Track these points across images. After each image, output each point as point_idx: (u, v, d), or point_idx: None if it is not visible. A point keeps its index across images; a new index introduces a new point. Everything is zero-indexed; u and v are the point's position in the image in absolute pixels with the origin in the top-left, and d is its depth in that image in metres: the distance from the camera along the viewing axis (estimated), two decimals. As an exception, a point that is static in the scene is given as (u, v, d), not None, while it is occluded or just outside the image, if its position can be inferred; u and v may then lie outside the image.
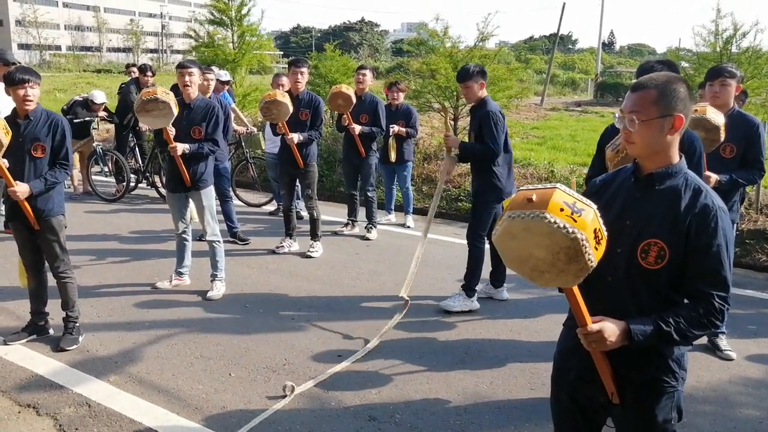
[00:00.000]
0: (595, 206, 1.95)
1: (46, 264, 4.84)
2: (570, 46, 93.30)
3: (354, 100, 7.36)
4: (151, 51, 77.92)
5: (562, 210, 1.86)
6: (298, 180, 7.20)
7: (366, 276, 6.56)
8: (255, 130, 9.82)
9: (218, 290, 5.88)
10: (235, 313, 5.50)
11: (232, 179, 8.87)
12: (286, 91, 6.87)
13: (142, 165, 10.26)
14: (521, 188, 2.00)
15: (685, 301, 2.19)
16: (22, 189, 4.43)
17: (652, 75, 2.21)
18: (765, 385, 4.44)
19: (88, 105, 10.20)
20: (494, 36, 12.41)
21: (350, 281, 6.40)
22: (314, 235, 7.20)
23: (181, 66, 5.81)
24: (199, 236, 6.50)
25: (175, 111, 5.46)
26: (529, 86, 17.83)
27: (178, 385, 4.24)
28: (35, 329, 4.91)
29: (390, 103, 8.25)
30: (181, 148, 5.60)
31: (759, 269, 7.05)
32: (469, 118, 6.01)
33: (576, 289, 2.04)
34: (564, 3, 30.96)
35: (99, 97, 10.29)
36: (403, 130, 8.14)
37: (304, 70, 6.92)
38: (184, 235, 6.02)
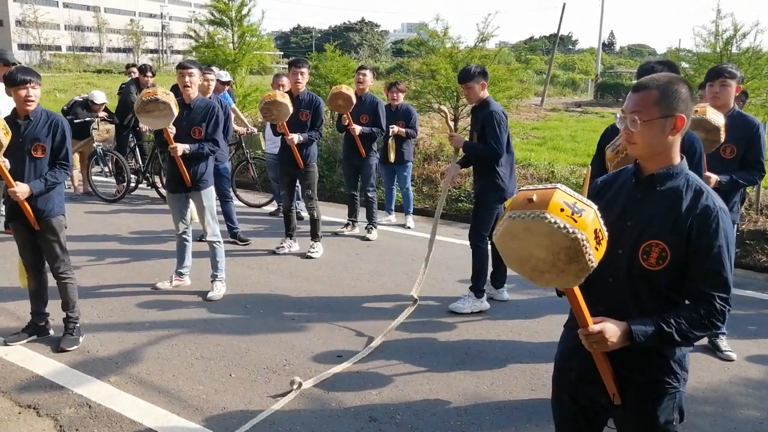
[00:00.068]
0: (595, 206, 1.95)
1: (47, 264, 4.84)
2: (570, 47, 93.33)
3: (354, 100, 7.35)
4: (152, 51, 77.93)
5: (562, 210, 1.86)
6: (298, 180, 7.20)
7: (366, 276, 6.56)
8: (255, 130, 9.82)
9: (218, 291, 5.88)
10: (235, 314, 5.50)
11: (233, 180, 8.87)
12: (287, 92, 6.88)
13: (142, 165, 10.26)
14: (522, 189, 2.00)
15: (687, 302, 2.19)
16: (22, 189, 4.43)
17: (653, 75, 2.20)
18: (765, 385, 4.44)
19: (88, 105, 10.21)
20: (494, 36, 12.43)
21: (350, 282, 6.40)
22: (314, 235, 7.20)
23: (181, 66, 5.81)
24: (200, 237, 6.50)
25: (176, 111, 5.46)
26: (529, 87, 17.85)
27: (178, 386, 4.24)
28: (35, 330, 4.91)
29: (390, 103, 8.25)
30: (182, 148, 5.60)
31: (759, 270, 7.05)
32: (469, 119, 6.00)
33: (577, 290, 2.04)
34: (564, 3, 30.98)
35: (99, 97, 10.30)
36: (403, 130, 8.14)
37: (305, 70, 6.92)
38: (184, 236, 6.02)
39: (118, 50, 77.18)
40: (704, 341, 4.86)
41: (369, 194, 7.99)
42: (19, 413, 3.90)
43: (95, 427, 3.75)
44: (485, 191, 5.55)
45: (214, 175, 6.24)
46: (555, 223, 1.83)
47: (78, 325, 4.88)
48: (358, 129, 7.55)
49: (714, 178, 4.44)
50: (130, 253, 7.17)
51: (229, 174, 7.98)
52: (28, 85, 4.45)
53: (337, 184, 10.42)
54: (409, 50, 15.56)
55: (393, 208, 8.95)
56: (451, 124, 5.68)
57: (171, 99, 5.43)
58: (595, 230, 1.90)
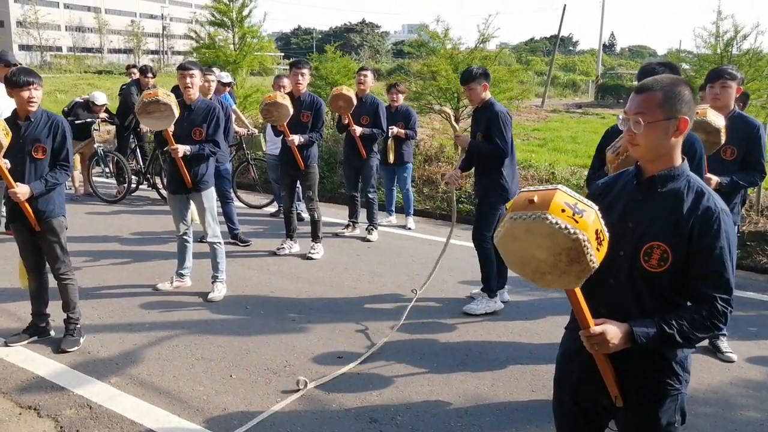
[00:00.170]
0: (596, 207, 1.95)
1: (47, 265, 4.84)
2: (571, 48, 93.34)
3: (355, 101, 7.36)
4: (152, 52, 77.89)
5: (563, 211, 1.86)
6: (298, 181, 7.20)
7: (367, 277, 6.56)
8: (256, 131, 9.83)
9: (219, 292, 5.88)
10: (236, 315, 5.50)
11: (233, 181, 8.87)
12: (288, 93, 6.88)
13: (143, 166, 10.27)
14: (523, 190, 2.00)
15: (688, 303, 2.19)
16: (22, 190, 4.43)
17: (656, 77, 2.20)
18: (766, 387, 4.44)
19: (89, 106, 10.22)
20: (495, 37, 12.46)
21: (351, 283, 6.40)
22: (315, 236, 7.20)
23: (182, 67, 5.82)
24: (200, 238, 6.50)
25: (177, 112, 5.46)
26: (529, 88, 17.87)
27: (179, 387, 4.24)
28: (36, 331, 4.91)
29: (389, 104, 8.26)
30: (182, 149, 5.60)
31: (760, 271, 7.05)
32: (470, 120, 6.00)
33: (578, 291, 2.04)
34: (565, 5, 30.96)
35: (100, 98, 10.31)
36: (402, 131, 8.14)
37: (305, 71, 6.92)
38: (185, 237, 6.02)
39: (118, 51, 77.15)
40: (705, 342, 4.86)
41: (370, 195, 7.99)
42: (20, 414, 3.90)
43: (96, 428, 3.75)
44: (488, 192, 5.54)
45: (215, 176, 6.24)
46: (556, 224, 1.84)
47: (78, 326, 4.88)
48: (358, 130, 7.56)
49: (714, 179, 4.44)
50: (130, 254, 7.17)
51: (229, 175, 7.99)
52: (31, 86, 4.45)
53: (337, 185, 10.42)
54: (409, 51, 15.57)
55: (393, 209, 8.95)
56: (456, 124, 5.67)
57: (172, 100, 5.44)
58: (596, 231, 1.90)
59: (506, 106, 5.67)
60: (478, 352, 4.89)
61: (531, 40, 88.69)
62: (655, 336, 2.09)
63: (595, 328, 2.10)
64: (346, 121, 7.56)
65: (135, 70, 11.15)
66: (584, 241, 1.85)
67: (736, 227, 5.59)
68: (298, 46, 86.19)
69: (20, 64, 6.29)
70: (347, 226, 8.26)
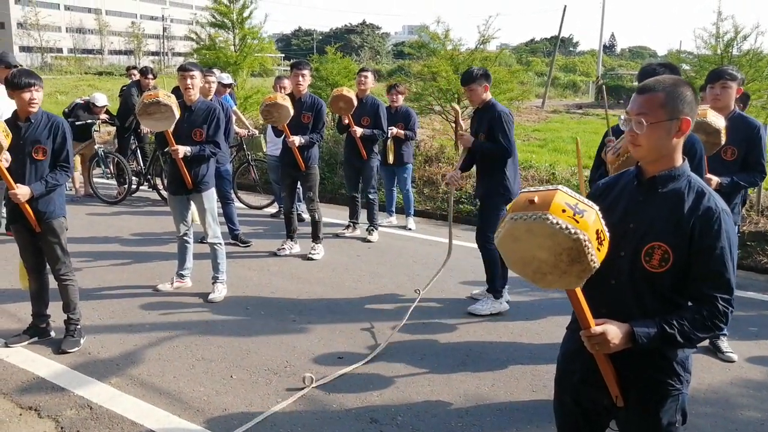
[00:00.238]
0: (596, 207, 1.95)
1: (48, 266, 4.84)
2: (571, 49, 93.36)
3: (355, 102, 7.36)
4: (153, 54, 78.01)
5: (564, 211, 1.86)
6: (299, 182, 7.20)
7: (367, 278, 6.57)
8: (256, 132, 9.83)
9: (219, 292, 5.88)
10: (236, 315, 5.50)
11: (234, 181, 8.87)
12: (289, 94, 6.88)
13: (143, 167, 10.27)
14: (523, 190, 2.01)
15: (689, 303, 2.19)
16: (22, 192, 4.43)
17: (658, 78, 2.20)
18: (766, 386, 4.44)
19: (89, 107, 10.23)
20: (495, 38, 12.49)
21: (351, 283, 6.40)
22: (316, 237, 7.20)
23: (182, 69, 5.82)
24: (201, 238, 6.50)
25: (177, 114, 5.46)
26: (530, 89, 17.85)
27: (179, 387, 4.24)
28: (36, 331, 4.91)
29: (389, 105, 8.26)
30: (183, 150, 5.60)
31: (760, 271, 7.06)
32: (470, 121, 5.99)
33: (579, 292, 2.04)
34: (565, 6, 30.97)
35: (100, 99, 10.31)
36: (402, 132, 8.15)
37: (306, 72, 6.92)
38: (185, 238, 6.02)
39: (119, 52, 77.24)
40: (705, 342, 4.86)
41: (370, 196, 7.99)
42: (21, 415, 3.90)
43: (96, 428, 3.75)
44: (491, 193, 5.51)
45: (216, 176, 6.24)
46: (557, 224, 1.84)
47: (79, 326, 4.88)
48: (359, 131, 7.56)
49: (715, 179, 4.45)
50: (131, 254, 7.18)
51: (230, 176, 7.99)
52: (32, 88, 4.45)
53: (338, 185, 10.43)
54: (410, 52, 15.59)
55: (394, 209, 8.96)
56: (461, 123, 5.64)
57: (172, 101, 5.44)
58: (597, 231, 1.91)
59: (506, 107, 5.65)
60: (478, 352, 4.89)
61: (531, 41, 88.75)
62: (655, 336, 2.09)
63: (596, 328, 2.10)
64: (347, 122, 7.56)
65: (135, 72, 11.16)
66: (585, 241, 1.85)
67: (737, 227, 5.59)
68: (298, 48, 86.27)
69: (21, 65, 6.29)
70: (348, 226, 8.27)
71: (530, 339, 5.16)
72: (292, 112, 6.48)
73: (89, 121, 10.05)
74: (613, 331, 2.09)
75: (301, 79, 6.83)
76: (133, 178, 9.97)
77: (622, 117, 2.24)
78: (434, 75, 11.82)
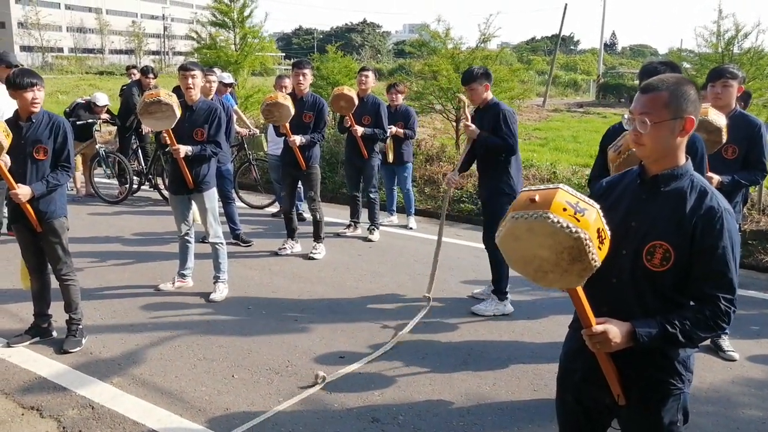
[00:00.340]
0: (597, 206, 1.95)
1: (49, 266, 4.84)
2: (572, 47, 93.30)
3: (356, 101, 7.36)
4: (154, 53, 78.06)
5: (565, 210, 1.86)
6: (300, 182, 7.20)
7: (368, 277, 6.57)
8: (257, 131, 9.83)
9: (221, 292, 5.88)
10: (237, 315, 5.51)
11: (235, 181, 8.87)
12: (290, 93, 6.88)
13: (144, 167, 10.26)
14: (524, 189, 2.00)
15: (691, 303, 2.18)
16: (23, 192, 4.43)
17: (661, 77, 2.19)
18: (767, 385, 4.44)
19: (90, 107, 10.23)
20: (496, 37, 12.49)
21: (353, 283, 6.40)
22: (317, 236, 7.20)
23: (183, 68, 5.82)
24: (202, 238, 6.51)
25: (178, 113, 5.47)
26: (531, 87, 17.85)
27: (181, 387, 4.25)
28: (38, 331, 4.92)
29: (389, 104, 8.25)
30: (184, 150, 5.60)
31: (761, 270, 7.05)
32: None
33: (580, 291, 2.04)
34: (566, 4, 30.96)
35: (101, 99, 10.32)
36: (401, 131, 8.14)
37: (307, 71, 6.92)
38: (186, 237, 6.03)
39: (120, 52, 77.27)
40: (706, 341, 4.86)
41: (371, 195, 7.99)
42: (23, 415, 3.90)
43: (98, 428, 3.76)
44: (496, 192, 5.47)
45: (217, 176, 6.24)
46: (558, 222, 1.84)
47: (81, 326, 4.88)
48: (360, 130, 7.56)
49: (716, 178, 4.45)
50: (132, 254, 7.18)
51: (231, 175, 7.99)
52: (34, 87, 4.46)
53: (339, 185, 10.43)
54: (410, 51, 15.60)
55: (395, 208, 8.96)
56: (467, 112, 5.55)
57: (173, 101, 5.44)
58: (598, 229, 1.90)
59: (509, 106, 5.62)
60: (480, 351, 4.89)
61: (532, 40, 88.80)
62: (657, 336, 2.09)
63: (597, 327, 2.10)
64: (348, 122, 7.56)
65: (135, 71, 11.16)
66: (586, 239, 1.85)
67: (738, 226, 5.58)
68: (299, 47, 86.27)
69: (21, 65, 6.30)
70: (349, 226, 8.27)
71: (532, 338, 5.15)
72: (293, 111, 6.48)
73: (90, 120, 10.06)
74: (615, 330, 2.09)
75: (302, 78, 6.83)
76: (135, 177, 9.97)
77: (626, 116, 2.23)
78: (435, 74, 11.82)
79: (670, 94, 2.12)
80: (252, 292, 6.05)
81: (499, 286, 5.61)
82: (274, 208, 9.26)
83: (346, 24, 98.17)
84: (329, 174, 10.74)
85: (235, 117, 8.90)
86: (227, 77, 8.89)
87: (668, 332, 2.09)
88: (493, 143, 5.36)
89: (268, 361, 4.64)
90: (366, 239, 7.93)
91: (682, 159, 2.20)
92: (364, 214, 8.25)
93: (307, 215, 8.14)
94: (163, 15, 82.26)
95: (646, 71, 3.81)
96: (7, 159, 4.41)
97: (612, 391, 2.27)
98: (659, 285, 2.16)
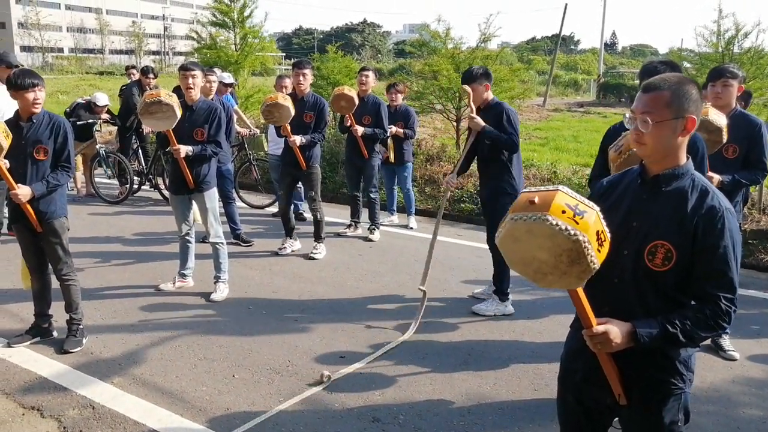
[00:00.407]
0: (597, 208, 1.94)
1: (50, 266, 4.85)
2: (572, 47, 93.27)
3: (356, 101, 7.36)
4: (154, 53, 78.06)
5: (564, 212, 1.85)
6: (300, 182, 7.20)
7: (369, 277, 6.57)
8: (258, 131, 9.83)
9: (221, 292, 5.89)
10: (238, 315, 5.51)
11: (235, 181, 8.88)
12: (290, 93, 6.88)
13: (145, 167, 10.27)
14: (524, 190, 2.00)
15: (692, 302, 2.18)
16: (23, 192, 4.43)
17: (663, 76, 2.19)
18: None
19: (90, 107, 10.23)
20: (496, 37, 12.46)
21: (353, 282, 6.40)
22: (318, 236, 7.20)
23: (183, 68, 5.82)
24: (202, 238, 6.51)
25: (179, 113, 5.47)
26: (531, 87, 17.83)
27: (181, 387, 4.25)
28: (39, 331, 4.92)
29: (389, 104, 8.25)
30: (184, 150, 5.61)
31: (762, 269, 7.05)
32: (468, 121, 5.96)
33: (580, 291, 2.04)
34: (566, 4, 30.96)
35: (102, 99, 10.32)
36: (401, 131, 8.15)
37: (307, 72, 6.92)
38: (187, 237, 6.03)
39: (120, 52, 77.28)
40: (707, 341, 4.85)
41: (371, 195, 8.00)
42: (23, 414, 3.91)
43: (99, 428, 3.76)
44: (499, 193, 5.45)
45: (217, 176, 6.24)
46: (556, 225, 1.83)
47: (81, 326, 4.89)
48: (360, 130, 7.56)
49: (716, 178, 4.45)
50: (133, 254, 7.19)
51: (231, 175, 7.99)
52: (36, 88, 4.46)
53: (339, 185, 10.43)
54: (411, 51, 15.59)
55: (395, 208, 8.96)
56: (472, 104, 5.51)
57: (174, 101, 5.44)
58: (597, 232, 1.90)
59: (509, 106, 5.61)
60: (480, 351, 4.89)
61: (532, 39, 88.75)
62: (658, 336, 2.09)
63: (598, 327, 2.10)
64: (348, 122, 7.56)
65: (134, 71, 11.16)
66: (584, 242, 1.84)
67: (739, 225, 5.58)
68: (299, 47, 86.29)
69: (22, 65, 6.30)
70: (349, 225, 8.27)
71: (532, 338, 5.16)
72: (293, 112, 6.48)
73: (90, 120, 10.06)
74: (615, 331, 2.09)
75: (302, 78, 6.83)
76: (135, 177, 9.98)
77: (627, 115, 2.23)
78: (435, 74, 11.82)
79: (672, 94, 2.12)
80: (252, 292, 6.06)
81: (501, 287, 5.61)
82: (275, 208, 9.25)
83: (347, 24, 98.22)
84: (330, 174, 10.75)
85: (235, 117, 8.91)
86: (227, 77, 8.89)
87: (669, 332, 2.08)
88: (497, 137, 5.33)
89: (269, 361, 4.64)
90: (366, 239, 7.93)
91: (684, 159, 2.20)
92: (364, 214, 8.25)
93: (308, 215, 8.13)
94: (164, 15, 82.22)
95: (646, 71, 3.81)
96: (6, 162, 4.41)
97: (613, 391, 2.27)
98: (661, 285, 2.16)
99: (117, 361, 4.61)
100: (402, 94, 8.53)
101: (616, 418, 2.43)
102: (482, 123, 5.35)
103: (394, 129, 8.07)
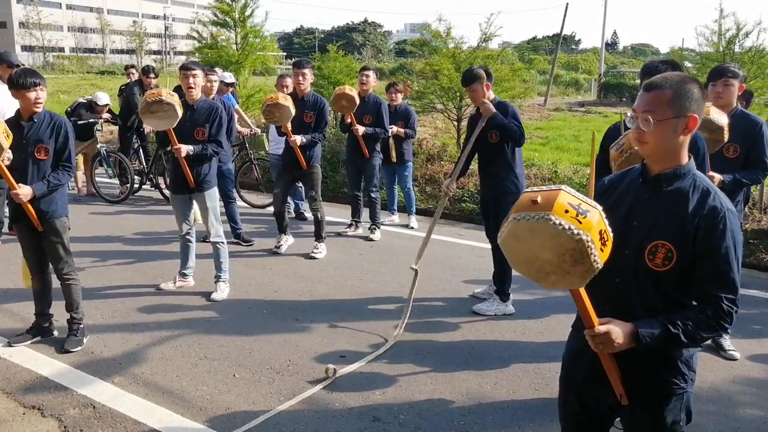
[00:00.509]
0: (600, 208, 1.94)
1: (51, 265, 4.85)
2: (573, 47, 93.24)
3: (357, 101, 7.35)
4: (155, 53, 78.04)
5: (567, 212, 1.85)
6: (301, 181, 7.20)
7: (370, 277, 6.57)
8: (258, 131, 9.83)
9: (222, 291, 5.89)
10: (239, 315, 5.51)
11: (236, 180, 8.88)
12: (291, 93, 6.88)
13: (145, 166, 10.26)
14: (526, 190, 2.00)
15: (693, 303, 2.18)
16: (24, 191, 4.43)
17: (665, 75, 2.18)
18: (770, 385, 4.44)
19: (91, 107, 10.22)
20: (497, 36, 12.45)
21: (354, 282, 6.40)
22: (318, 236, 7.20)
23: (184, 67, 5.82)
24: (203, 238, 6.51)
25: (180, 112, 5.47)
26: (532, 87, 17.83)
27: (182, 386, 4.25)
28: (39, 331, 4.92)
29: (389, 103, 8.25)
30: (185, 149, 5.61)
31: (763, 269, 7.04)
32: (468, 121, 5.95)
33: (582, 291, 2.03)
34: (567, 3, 30.96)
35: (103, 98, 10.31)
36: (402, 130, 8.14)
37: (307, 71, 6.91)
38: (187, 237, 6.03)
39: (121, 52, 77.27)
40: (708, 341, 4.85)
41: (372, 195, 8.00)
42: (24, 414, 3.91)
43: (99, 427, 3.76)
44: (503, 192, 5.44)
45: (218, 176, 6.24)
46: (559, 224, 1.83)
47: (82, 326, 4.89)
48: (361, 129, 7.56)
49: (718, 177, 4.44)
50: (133, 254, 7.19)
51: (232, 175, 7.99)
52: (37, 87, 4.46)
53: (340, 184, 10.43)
54: (412, 50, 15.63)
55: (396, 208, 8.96)
56: (475, 105, 5.46)
57: (175, 100, 5.44)
58: (600, 231, 1.89)
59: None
60: (481, 350, 4.89)
61: (533, 39, 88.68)
62: (659, 336, 2.09)
63: (600, 328, 2.09)
64: (349, 121, 7.56)
65: (133, 71, 11.16)
66: (588, 241, 1.84)
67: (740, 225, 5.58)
68: (300, 46, 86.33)
69: (23, 64, 6.30)
70: (350, 225, 8.27)
71: (533, 337, 5.15)
72: (293, 112, 6.47)
73: (91, 120, 10.06)
74: (617, 331, 2.08)
75: (301, 78, 6.83)
76: (136, 177, 9.98)
77: (629, 114, 2.22)
78: (436, 73, 11.81)
79: (674, 93, 2.11)
80: (253, 292, 6.06)
81: (502, 287, 5.60)
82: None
83: (348, 23, 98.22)
84: (330, 173, 10.74)
85: (236, 116, 8.90)
86: (228, 77, 8.89)
87: (671, 333, 2.08)
88: (507, 125, 5.29)
89: (270, 361, 4.64)
90: (367, 238, 7.93)
91: (685, 158, 2.19)
92: (365, 214, 8.25)
93: (308, 214, 8.13)
94: (165, 15, 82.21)
95: (647, 70, 3.81)
96: (9, 153, 4.40)
97: (615, 391, 2.27)
98: (662, 285, 2.15)
99: (117, 361, 4.61)
100: (402, 93, 8.53)
101: (618, 419, 2.43)
102: (493, 108, 5.32)
103: (394, 129, 8.07)
